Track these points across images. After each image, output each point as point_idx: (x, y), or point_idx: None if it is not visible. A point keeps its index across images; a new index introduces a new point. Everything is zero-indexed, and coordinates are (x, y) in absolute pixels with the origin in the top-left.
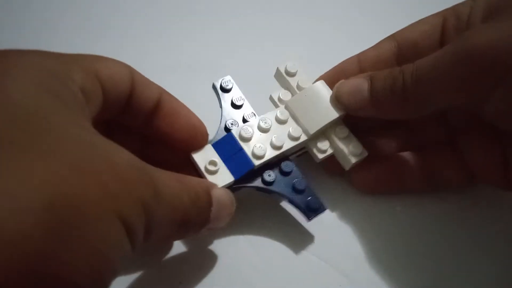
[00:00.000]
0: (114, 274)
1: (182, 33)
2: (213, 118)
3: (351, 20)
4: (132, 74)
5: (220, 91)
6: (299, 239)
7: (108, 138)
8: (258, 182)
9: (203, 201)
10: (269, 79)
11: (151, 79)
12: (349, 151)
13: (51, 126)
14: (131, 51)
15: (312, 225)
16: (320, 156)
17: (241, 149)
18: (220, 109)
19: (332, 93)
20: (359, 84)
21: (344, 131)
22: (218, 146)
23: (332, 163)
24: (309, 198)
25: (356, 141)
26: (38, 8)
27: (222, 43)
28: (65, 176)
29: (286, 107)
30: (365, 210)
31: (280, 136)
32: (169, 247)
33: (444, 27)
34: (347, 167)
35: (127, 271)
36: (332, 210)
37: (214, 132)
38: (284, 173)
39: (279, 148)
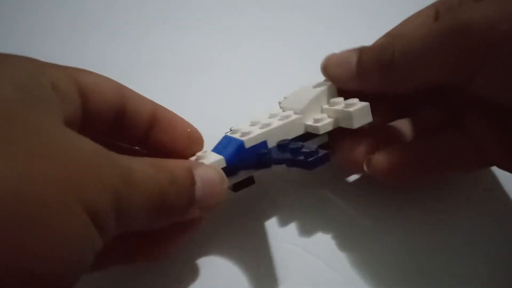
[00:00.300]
0: (81, 266)
1: (178, 31)
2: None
3: (350, 18)
4: (122, 90)
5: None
6: (298, 238)
7: None
8: (256, 161)
9: (182, 180)
10: (266, 76)
11: (146, 78)
12: (346, 106)
13: (14, 115)
14: (124, 50)
15: (311, 225)
16: (319, 124)
17: (230, 137)
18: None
19: (321, 64)
20: (348, 55)
21: (339, 99)
22: (216, 149)
23: (348, 160)
24: (307, 150)
25: (352, 99)
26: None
27: (218, 41)
28: (22, 160)
29: (280, 107)
30: (364, 209)
31: (269, 119)
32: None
33: (437, 17)
34: (353, 123)
35: (126, 270)
36: (332, 209)
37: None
38: (281, 148)
39: (267, 125)
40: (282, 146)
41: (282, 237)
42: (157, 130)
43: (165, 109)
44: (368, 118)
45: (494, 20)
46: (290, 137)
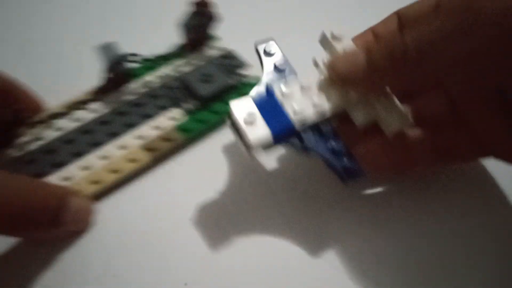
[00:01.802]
0: None
1: None
2: None
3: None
4: None
5: (263, 55)
6: (306, 244)
7: None
8: (296, 141)
9: (53, 203)
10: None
11: None
12: (396, 117)
13: None
14: None
15: (319, 229)
16: (362, 119)
17: (281, 107)
18: (262, 70)
19: (326, 63)
20: (355, 52)
21: (391, 97)
22: (258, 101)
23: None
24: (347, 161)
25: (401, 108)
26: None
27: None
28: None
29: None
30: (370, 214)
31: (322, 96)
32: None
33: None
34: (389, 134)
35: (131, 272)
36: (341, 215)
37: None
38: (322, 134)
39: (321, 111)
40: (323, 133)
41: (287, 239)
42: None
43: (15, 80)
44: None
45: (509, 6)
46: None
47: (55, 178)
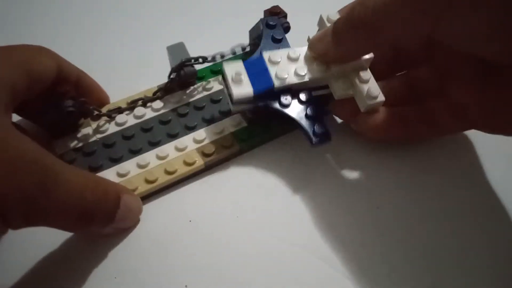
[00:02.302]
0: None
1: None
2: None
3: None
4: (58, 62)
5: (264, 26)
6: (302, 239)
7: None
8: (275, 104)
9: (110, 201)
10: None
11: None
12: (367, 94)
13: None
14: None
15: (312, 226)
16: (339, 93)
17: (266, 69)
18: (261, 39)
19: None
20: (326, 29)
21: (367, 75)
22: (248, 64)
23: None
24: (318, 124)
25: (376, 86)
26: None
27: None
28: None
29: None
30: (363, 206)
31: (304, 67)
32: None
33: None
34: (362, 109)
35: (132, 273)
36: (336, 212)
37: None
38: (301, 102)
39: (301, 76)
40: (302, 101)
41: (284, 239)
42: (80, 90)
43: (86, 74)
44: (374, 107)
45: None
46: (314, 85)
47: (111, 173)
